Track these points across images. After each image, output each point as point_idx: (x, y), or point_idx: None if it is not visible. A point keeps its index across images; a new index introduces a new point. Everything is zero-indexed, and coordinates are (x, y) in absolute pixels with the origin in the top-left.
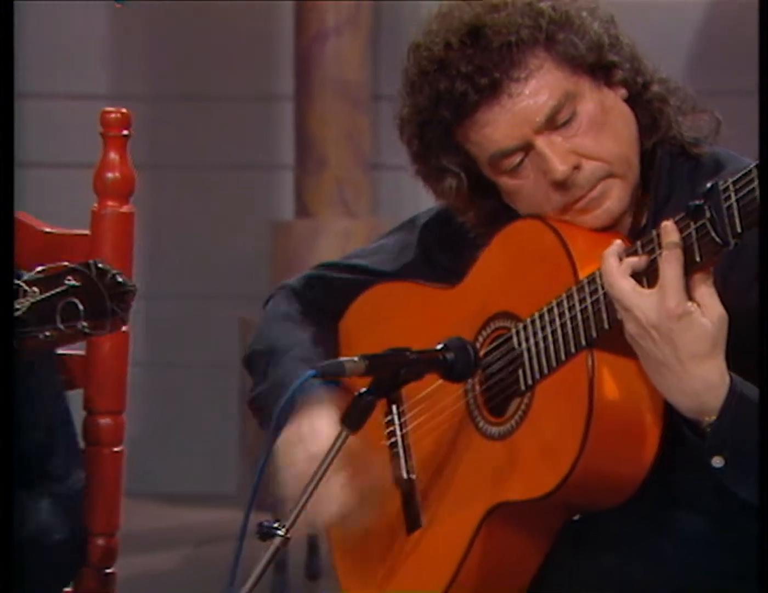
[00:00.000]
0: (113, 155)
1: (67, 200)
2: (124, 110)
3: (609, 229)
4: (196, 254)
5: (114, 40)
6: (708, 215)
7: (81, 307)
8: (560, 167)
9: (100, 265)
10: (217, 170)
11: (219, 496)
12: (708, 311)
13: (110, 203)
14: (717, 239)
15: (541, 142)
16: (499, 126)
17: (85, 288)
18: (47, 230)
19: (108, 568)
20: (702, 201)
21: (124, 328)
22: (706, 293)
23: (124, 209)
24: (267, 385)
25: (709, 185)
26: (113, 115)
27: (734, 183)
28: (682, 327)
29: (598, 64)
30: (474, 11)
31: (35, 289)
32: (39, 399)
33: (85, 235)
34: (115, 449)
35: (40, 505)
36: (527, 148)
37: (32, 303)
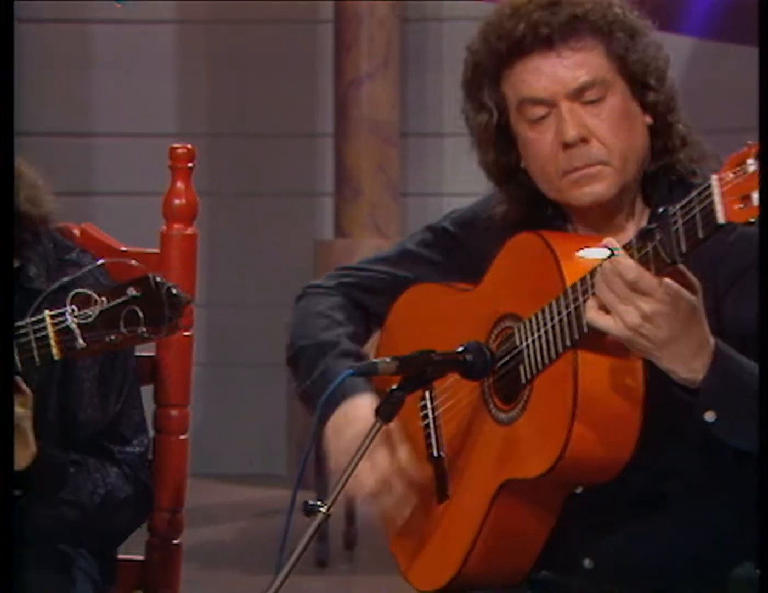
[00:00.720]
0: (180, 184)
1: (139, 223)
2: (189, 146)
3: (596, 237)
4: (249, 268)
5: (179, 87)
6: (658, 237)
7: (141, 315)
8: (572, 132)
9: (158, 278)
10: (267, 197)
11: (270, 476)
12: (687, 286)
13: (177, 225)
14: (667, 259)
15: (565, 106)
16: (539, 76)
17: (145, 298)
18: (123, 248)
19: (175, 539)
20: (654, 225)
21: (186, 333)
22: (678, 273)
23: (189, 231)
24: (314, 378)
25: (660, 209)
26: (180, 151)
27: (681, 209)
28: (675, 308)
29: (638, 79)
30: None
31: (103, 298)
32: (113, 369)
33: (156, 253)
34: (181, 437)
35: (108, 470)
36: (552, 106)
37: (100, 311)
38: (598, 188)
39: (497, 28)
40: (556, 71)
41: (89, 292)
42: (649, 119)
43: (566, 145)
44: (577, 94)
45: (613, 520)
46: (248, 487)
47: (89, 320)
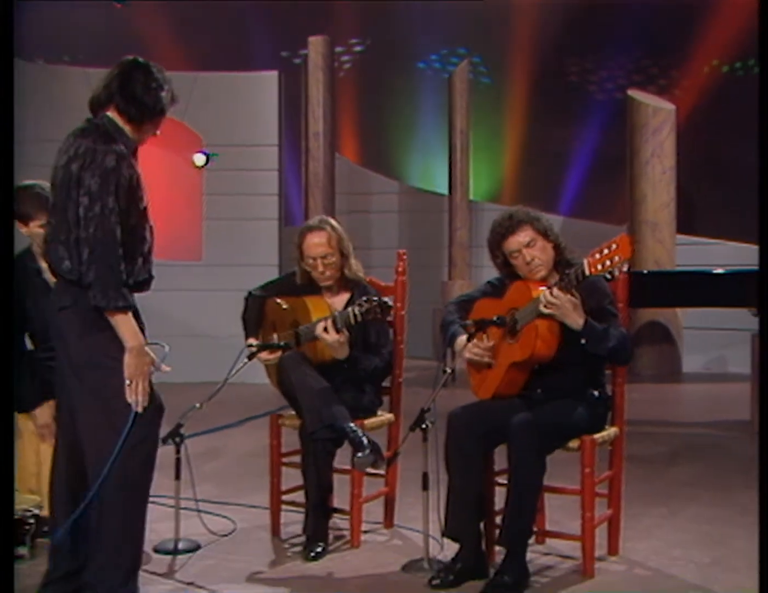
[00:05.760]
0: (401, 265)
1: (386, 277)
2: (403, 251)
3: (543, 280)
4: (420, 290)
5: (399, 232)
6: (566, 280)
7: (380, 310)
8: (527, 258)
9: (384, 299)
10: (430, 268)
11: (423, 357)
12: (575, 296)
13: (400, 277)
14: (570, 288)
15: (524, 250)
16: (511, 243)
17: (380, 306)
18: (383, 283)
19: (399, 378)
20: (566, 277)
21: (389, 302)
22: (572, 293)
23: (403, 279)
24: (444, 334)
25: (567, 271)
26: (401, 252)
27: (573, 272)
28: (571, 304)
29: (546, 236)
30: (513, 210)
31: (375, 304)
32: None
33: (392, 286)
34: (401, 346)
35: (375, 358)
36: (519, 251)
37: (367, 309)
38: (540, 274)
39: (496, 229)
40: (518, 240)
41: (364, 301)
42: (553, 245)
43: (526, 263)
44: (527, 245)
45: (548, 376)
46: (414, 360)
47: (364, 309)
